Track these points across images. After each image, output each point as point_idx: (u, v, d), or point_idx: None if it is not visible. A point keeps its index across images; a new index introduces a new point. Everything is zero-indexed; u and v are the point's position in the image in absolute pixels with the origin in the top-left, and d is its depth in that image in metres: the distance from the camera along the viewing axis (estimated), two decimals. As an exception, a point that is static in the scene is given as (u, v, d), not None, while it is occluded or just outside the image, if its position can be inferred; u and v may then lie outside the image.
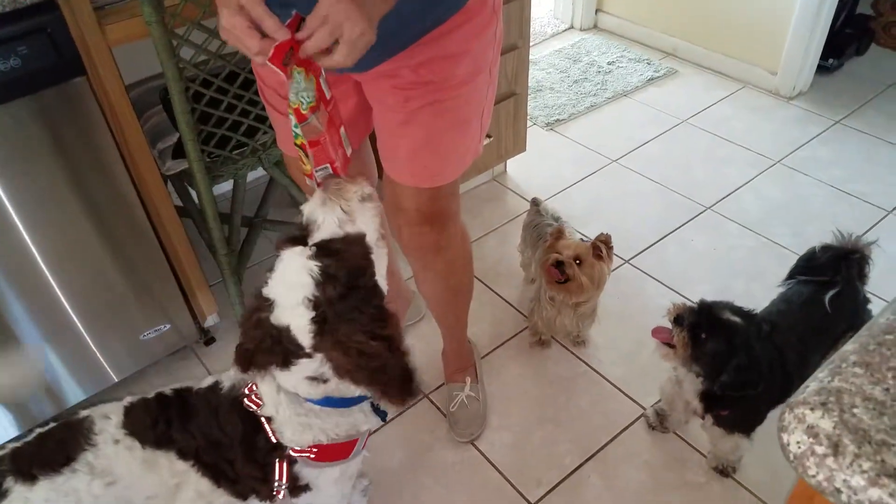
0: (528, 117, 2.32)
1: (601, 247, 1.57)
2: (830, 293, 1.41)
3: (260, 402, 1.01)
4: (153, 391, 1.06)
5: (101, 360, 1.62)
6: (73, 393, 1.62)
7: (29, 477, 0.94)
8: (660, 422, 1.60)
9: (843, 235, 1.49)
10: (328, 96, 0.91)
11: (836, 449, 0.48)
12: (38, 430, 1.01)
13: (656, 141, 2.57)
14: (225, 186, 2.27)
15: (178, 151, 1.55)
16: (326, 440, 1.03)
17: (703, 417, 1.43)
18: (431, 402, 1.71)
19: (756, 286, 1.90)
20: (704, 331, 1.28)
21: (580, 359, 1.80)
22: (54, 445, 0.98)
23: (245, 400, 1.01)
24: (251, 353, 0.93)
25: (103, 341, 1.60)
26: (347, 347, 0.88)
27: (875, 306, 1.55)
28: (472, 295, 1.57)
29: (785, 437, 0.50)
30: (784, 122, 2.62)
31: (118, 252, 1.52)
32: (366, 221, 0.91)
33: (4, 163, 1.28)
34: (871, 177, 2.33)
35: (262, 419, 1.01)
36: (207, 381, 1.07)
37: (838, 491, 0.47)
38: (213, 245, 1.71)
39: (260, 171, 2.28)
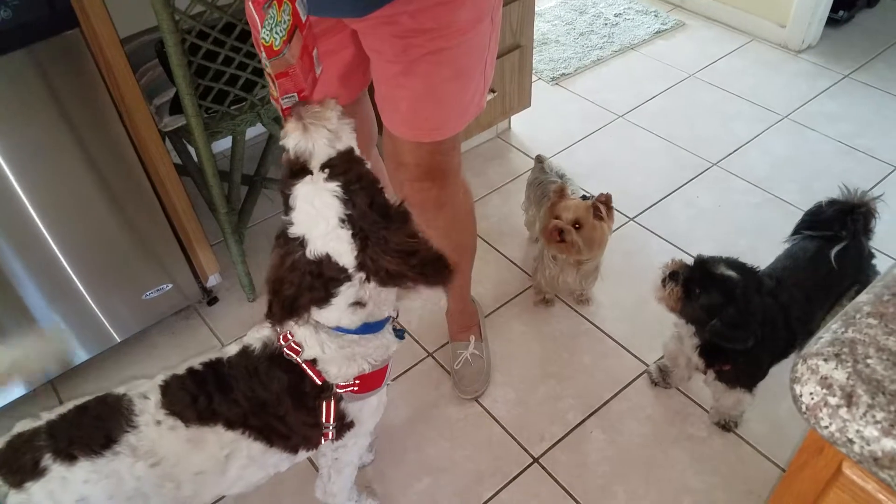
0: (533, 71, 2.26)
1: (601, 207, 1.55)
2: (836, 248, 1.40)
3: (299, 349, 1.01)
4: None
5: (104, 320, 1.62)
6: (77, 353, 1.63)
7: (68, 456, 0.93)
8: (662, 378, 1.61)
9: (849, 190, 1.47)
10: (304, 19, 0.90)
11: (849, 399, 0.47)
12: (74, 403, 0.99)
13: (663, 96, 2.53)
14: (224, 144, 2.24)
15: (176, 107, 1.52)
16: (369, 368, 1.05)
17: (704, 373, 1.43)
18: (436, 360, 1.72)
19: (761, 243, 1.88)
20: (698, 286, 1.28)
21: (583, 317, 1.80)
22: (92, 423, 0.96)
23: (285, 350, 1.01)
24: (294, 298, 0.91)
25: (105, 301, 1.60)
26: (394, 252, 0.88)
27: (880, 261, 1.54)
28: (475, 253, 1.56)
29: (797, 388, 0.50)
30: (792, 77, 2.56)
31: (117, 211, 1.51)
32: (349, 137, 0.91)
33: (-2, 119, 1.26)
34: (879, 132, 2.29)
35: (304, 365, 1.02)
36: (233, 349, 1.06)
37: (850, 441, 0.47)
38: (214, 203, 1.69)
39: (259, 129, 2.25)
